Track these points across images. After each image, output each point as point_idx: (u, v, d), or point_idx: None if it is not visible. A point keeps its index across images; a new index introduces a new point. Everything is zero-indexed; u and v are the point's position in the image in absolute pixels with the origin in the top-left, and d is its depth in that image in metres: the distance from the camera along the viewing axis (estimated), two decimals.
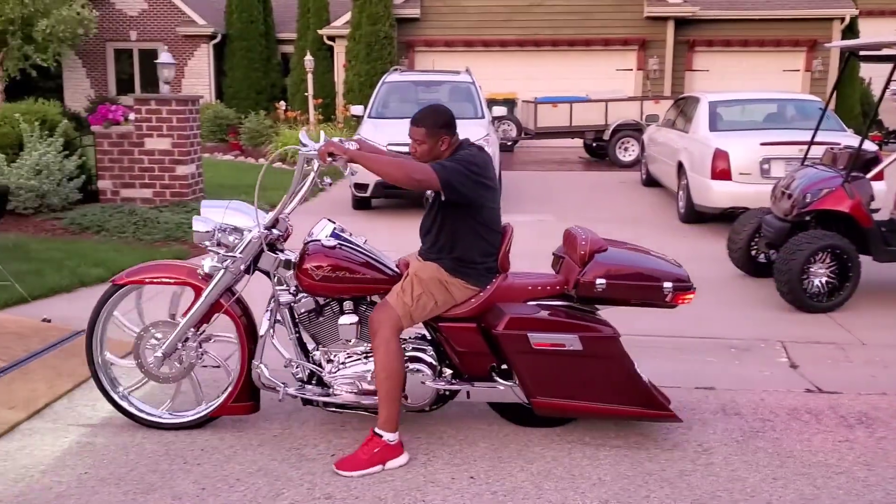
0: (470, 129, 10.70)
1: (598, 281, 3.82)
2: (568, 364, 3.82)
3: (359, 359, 3.96)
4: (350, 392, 3.95)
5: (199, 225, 3.95)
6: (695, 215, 9.75)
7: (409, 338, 4.08)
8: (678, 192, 10.37)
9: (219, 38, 22.94)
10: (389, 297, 3.81)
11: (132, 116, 9.51)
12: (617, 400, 3.89)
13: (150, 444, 3.95)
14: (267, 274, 4.00)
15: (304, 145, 3.89)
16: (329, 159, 3.64)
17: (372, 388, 3.86)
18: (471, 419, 4.24)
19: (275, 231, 3.99)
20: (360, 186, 10.48)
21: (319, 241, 3.92)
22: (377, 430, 3.72)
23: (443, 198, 3.73)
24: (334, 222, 4.11)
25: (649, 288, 3.88)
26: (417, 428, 4.10)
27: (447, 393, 4.01)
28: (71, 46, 21.79)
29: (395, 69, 13.57)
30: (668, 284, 3.87)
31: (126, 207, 9.06)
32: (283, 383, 4.00)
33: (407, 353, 3.93)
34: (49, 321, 5.59)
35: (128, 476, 3.62)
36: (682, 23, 21.04)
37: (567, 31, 20.92)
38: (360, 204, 10.83)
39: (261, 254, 3.95)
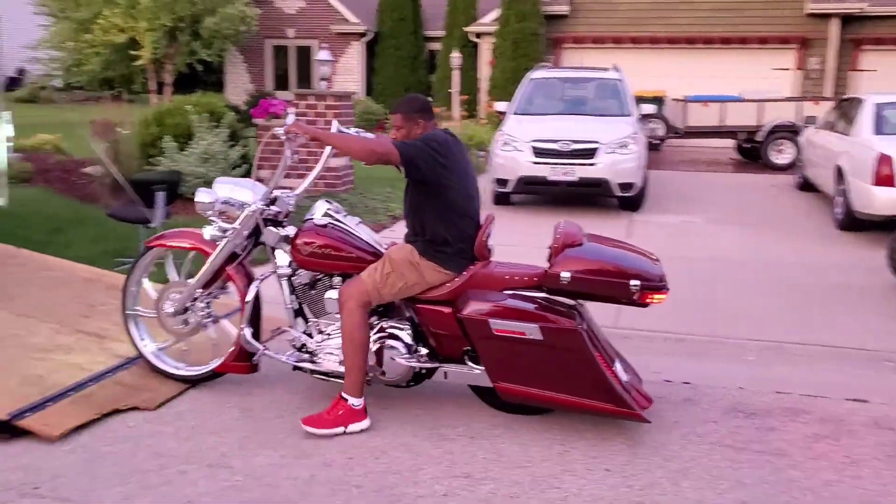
0: (615, 127, 10.65)
1: (563, 274, 3.92)
2: (528, 352, 3.92)
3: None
4: (332, 361, 4.24)
5: (201, 196, 4.42)
6: (853, 223, 9.26)
7: (393, 317, 4.28)
8: (835, 197, 9.88)
9: (370, 36, 23.68)
10: (362, 274, 4.08)
11: (291, 110, 10.04)
12: (576, 392, 3.93)
13: (304, 414, 4.22)
14: (271, 248, 4.37)
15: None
16: (293, 135, 4.09)
17: None
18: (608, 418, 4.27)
19: (273, 208, 4.34)
20: (501, 182, 10.60)
21: (313, 219, 4.26)
22: (343, 394, 4.02)
23: (403, 173, 3.96)
24: (330, 203, 4.41)
25: (614, 284, 3.90)
26: (553, 420, 4.17)
27: (423, 371, 4.21)
28: (234, 43, 23.10)
29: (542, 65, 13.60)
30: (635, 282, 3.87)
31: None
32: (265, 347, 4.39)
33: (386, 331, 4.19)
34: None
35: (284, 441, 3.90)
36: (848, 20, 19.91)
37: (721, 29, 20.24)
38: (500, 199, 10.95)
39: (264, 228, 4.32)
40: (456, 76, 18.38)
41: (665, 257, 4.53)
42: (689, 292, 6.47)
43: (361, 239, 4.27)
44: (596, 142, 10.27)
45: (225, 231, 4.37)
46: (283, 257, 4.34)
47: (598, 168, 10.21)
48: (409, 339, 4.18)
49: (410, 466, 3.68)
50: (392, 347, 4.17)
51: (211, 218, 4.41)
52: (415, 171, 3.93)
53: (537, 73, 12.49)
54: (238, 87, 24.57)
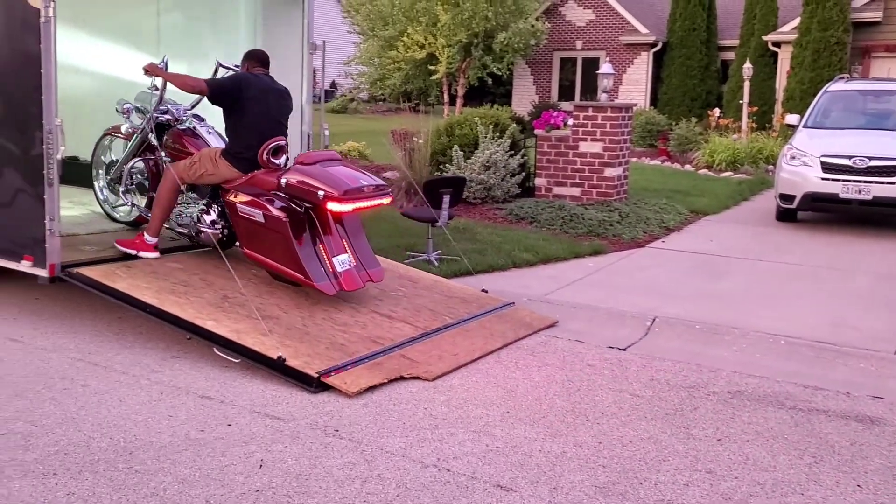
0: None
1: (282, 180, 5.63)
2: (257, 230, 5.61)
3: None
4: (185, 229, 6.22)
5: (119, 105, 6.61)
6: None
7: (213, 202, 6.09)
8: None
9: (659, 46, 23.55)
10: (182, 160, 6.02)
11: (570, 122, 10.48)
12: (280, 261, 5.56)
13: (560, 400, 4.61)
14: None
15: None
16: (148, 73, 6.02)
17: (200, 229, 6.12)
18: (869, 436, 4.19)
19: (166, 116, 6.41)
20: (786, 197, 10.23)
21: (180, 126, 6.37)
22: (145, 232, 6.01)
23: (209, 99, 5.86)
24: (202, 119, 6.43)
25: (307, 191, 5.52)
26: (806, 433, 4.17)
27: (224, 238, 6.06)
28: (523, 56, 24.14)
29: (841, 77, 12.83)
30: (321, 192, 5.47)
31: (557, 203, 10.05)
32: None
33: (204, 207, 6.09)
34: (486, 292, 6.61)
35: (540, 420, 4.32)
36: None
37: None
38: (785, 216, 10.56)
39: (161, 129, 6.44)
40: (746, 87, 17.78)
41: None
42: None
43: (202, 141, 6.24)
44: None
45: (135, 127, 6.58)
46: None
47: None
48: (213, 216, 6.06)
49: (655, 457, 3.93)
50: (202, 220, 6.08)
51: (125, 119, 6.63)
52: (215, 99, 5.83)
53: (835, 86, 11.84)
54: (524, 98, 25.61)
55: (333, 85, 33.15)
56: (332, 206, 5.53)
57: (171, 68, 6.20)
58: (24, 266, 5.56)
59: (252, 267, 6.09)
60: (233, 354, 4.91)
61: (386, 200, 5.97)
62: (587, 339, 5.82)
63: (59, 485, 3.46)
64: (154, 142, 6.47)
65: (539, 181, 10.71)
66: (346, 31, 26.37)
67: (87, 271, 5.54)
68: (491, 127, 10.56)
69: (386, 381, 4.76)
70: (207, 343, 5.02)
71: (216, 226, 6.07)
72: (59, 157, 5.32)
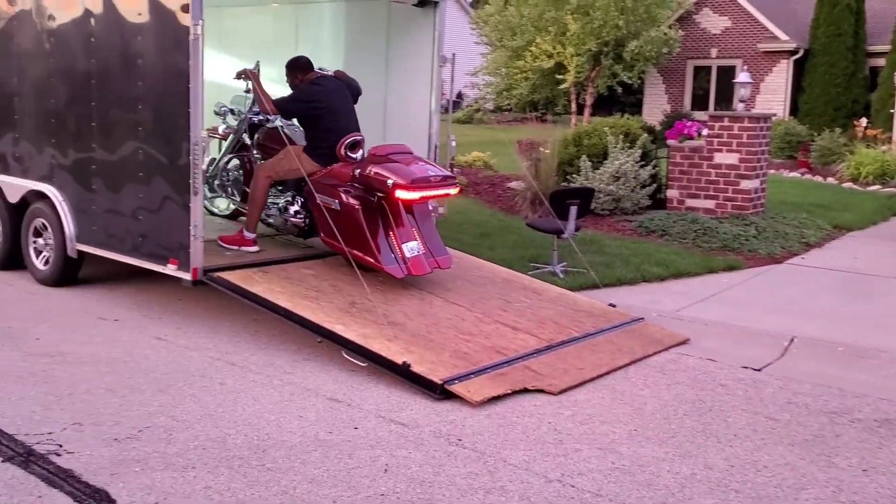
0: None
1: (356, 171, 6.08)
2: (334, 217, 5.94)
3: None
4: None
5: (216, 107, 7.04)
6: None
7: (299, 193, 6.59)
8: None
9: (800, 54, 22.51)
10: (270, 159, 6.61)
11: (705, 132, 10.16)
12: (353, 246, 5.89)
13: (691, 420, 4.45)
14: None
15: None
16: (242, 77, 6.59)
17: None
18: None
19: (259, 117, 6.92)
20: None
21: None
22: (244, 228, 6.47)
23: (279, 120, 6.63)
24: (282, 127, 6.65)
25: (379, 181, 5.92)
26: None
27: (305, 227, 6.62)
28: (654, 64, 23.58)
29: None
30: (390, 181, 5.86)
31: (689, 216, 9.76)
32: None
33: (290, 199, 6.66)
34: (614, 306, 6.48)
35: (669, 440, 4.19)
36: None
37: None
38: None
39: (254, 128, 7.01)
40: None
41: None
42: None
43: (286, 138, 6.48)
44: None
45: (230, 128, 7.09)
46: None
47: None
48: (297, 207, 6.58)
49: (793, 485, 3.73)
50: (287, 211, 6.64)
51: (223, 120, 7.14)
52: (287, 115, 6.58)
53: None
54: (655, 107, 25.00)
55: (460, 95, 33.46)
56: (401, 194, 5.90)
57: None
58: (170, 269, 5.88)
59: (379, 274, 6.21)
60: (360, 358, 5.01)
61: (453, 191, 6.38)
62: (720, 357, 5.60)
63: (198, 478, 3.63)
64: (247, 141, 7.02)
65: (671, 193, 10.41)
66: (474, 41, 26.56)
67: (226, 275, 5.80)
68: (621, 137, 10.37)
69: (510, 391, 4.74)
70: (336, 346, 5.15)
71: (299, 216, 6.58)
72: (203, 167, 5.60)
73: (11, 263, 7.24)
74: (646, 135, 10.60)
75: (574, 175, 10.36)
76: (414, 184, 5.88)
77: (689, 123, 10.27)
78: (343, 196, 6.02)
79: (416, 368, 4.80)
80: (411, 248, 6.04)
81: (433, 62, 7.30)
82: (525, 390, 4.79)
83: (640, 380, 5.13)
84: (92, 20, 6.26)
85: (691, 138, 10.14)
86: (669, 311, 6.71)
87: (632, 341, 5.84)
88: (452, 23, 32.83)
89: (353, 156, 6.40)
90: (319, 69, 6.77)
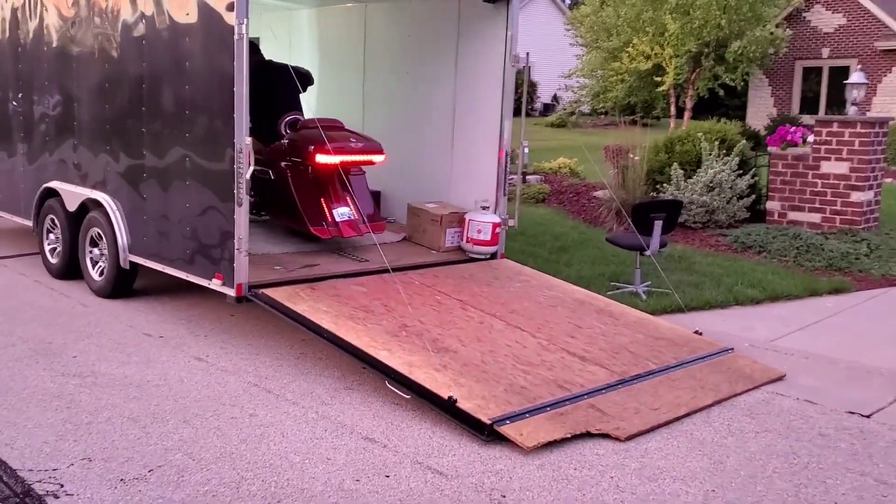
0: None
1: (284, 142, 6.75)
2: (270, 187, 6.69)
3: None
4: None
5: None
6: None
7: None
8: None
9: None
10: None
11: (810, 138, 9.24)
12: (285, 214, 6.73)
13: (782, 481, 3.77)
14: None
15: None
16: None
17: None
18: None
19: None
20: None
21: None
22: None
23: None
24: None
25: (302, 147, 6.46)
26: None
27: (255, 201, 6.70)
28: (759, 66, 22.32)
29: None
30: (311, 147, 6.33)
31: (791, 230, 8.86)
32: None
33: None
34: (700, 333, 5.78)
35: None
36: None
37: None
38: None
39: None
40: None
41: None
42: None
43: None
44: None
45: None
46: None
47: None
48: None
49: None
50: None
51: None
52: None
53: None
54: (760, 111, 23.70)
55: (555, 98, 32.76)
56: (320, 159, 6.25)
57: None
58: (215, 284, 5.54)
59: (437, 293, 5.72)
60: (404, 389, 4.51)
61: (377, 158, 6.65)
62: (821, 399, 4.85)
63: None
64: None
65: (771, 205, 9.51)
66: (569, 43, 25.82)
67: (271, 292, 5.42)
68: (716, 143, 9.54)
69: (569, 435, 4.15)
70: (380, 374, 4.67)
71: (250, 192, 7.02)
72: (247, 176, 5.23)
73: (71, 273, 7.08)
74: (744, 141, 9.72)
75: (664, 185, 9.60)
76: (333, 149, 6.14)
77: (792, 129, 9.35)
78: (276, 167, 6.58)
79: (462, 404, 4.27)
80: (342, 213, 6.46)
81: (505, 62, 6.75)
82: (587, 434, 4.20)
83: (724, 425, 4.45)
84: (143, 22, 6.01)
85: (795, 145, 9.22)
86: (764, 341, 5.96)
87: (717, 376, 5.14)
88: (547, 23, 32.29)
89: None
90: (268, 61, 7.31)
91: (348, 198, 6.55)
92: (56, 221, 7.22)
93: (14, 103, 7.72)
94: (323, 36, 8.71)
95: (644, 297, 6.83)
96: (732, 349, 5.62)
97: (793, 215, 9.33)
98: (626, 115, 23.87)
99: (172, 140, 5.85)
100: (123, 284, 6.59)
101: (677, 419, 4.49)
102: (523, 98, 6.86)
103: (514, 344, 5.17)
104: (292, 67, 7.10)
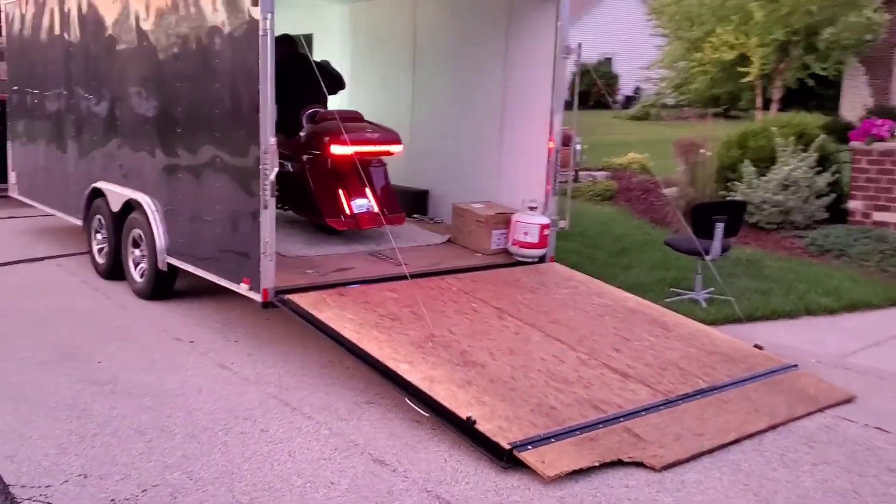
0: None
1: (301, 134, 6.73)
2: (290, 181, 6.51)
3: None
4: None
5: None
6: None
7: None
8: None
9: None
10: None
11: None
12: (303, 206, 6.81)
13: None
14: None
15: None
16: None
17: None
18: None
19: None
20: None
21: None
22: None
23: None
24: None
25: (318, 138, 6.50)
26: None
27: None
28: (855, 53, 21.04)
29: None
30: (326, 137, 6.37)
31: (875, 232, 8.14)
32: None
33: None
34: (761, 348, 5.29)
35: None
36: None
37: None
38: None
39: None
40: None
41: None
42: None
43: None
44: None
45: None
46: None
47: None
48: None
49: None
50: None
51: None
52: None
53: None
54: (855, 102, 22.33)
55: (637, 91, 31.85)
56: (335, 149, 6.20)
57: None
58: (242, 289, 5.36)
59: (474, 300, 5.41)
60: (423, 406, 4.22)
61: (395, 148, 6.54)
62: (894, 427, 4.33)
63: None
64: None
65: (853, 204, 8.79)
66: (649, 33, 24.95)
67: (298, 297, 5.21)
68: (793, 139, 8.87)
69: (597, 464, 3.78)
70: (399, 389, 4.39)
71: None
72: (272, 178, 5.02)
73: (116, 274, 7.04)
74: (823, 136, 8.98)
75: (736, 182, 8.99)
76: (349, 140, 6.05)
77: (879, 122, 8.60)
78: (295, 159, 6.54)
79: (482, 426, 3.94)
80: (360, 204, 6.40)
81: (555, 54, 6.36)
82: (619, 462, 3.81)
83: (777, 455, 4.00)
84: (176, 17, 5.88)
85: (882, 139, 8.48)
86: (834, 357, 5.43)
87: (775, 397, 4.67)
88: (629, 14, 31.40)
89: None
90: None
91: (367, 189, 6.46)
92: (102, 221, 7.21)
93: (72, 100, 7.75)
94: (375, 30, 8.48)
95: (704, 305, 6.34)
96: (796, 366, 5.12)
97: (878, 216, 8.58)
98: (711, 107, 22.91)
99: (203, 139, 5.71)
100: (163, 286, 6.50)
101: (724, 446, 4.06)
102: (575, 90, 6.42)
103: (551, 358, 4.80)
104: (325, 67, 7.04)
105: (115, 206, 6.91)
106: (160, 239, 6.25)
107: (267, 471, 3.73)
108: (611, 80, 34.48)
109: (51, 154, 8.26)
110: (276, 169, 5.04)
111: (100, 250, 7.33)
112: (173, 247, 6.20)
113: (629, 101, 31.06)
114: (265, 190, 5.06)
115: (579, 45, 6.37)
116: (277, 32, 5.12)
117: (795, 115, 9.75)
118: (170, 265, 6.26)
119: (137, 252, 6.70)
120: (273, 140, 5.03)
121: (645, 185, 11.06)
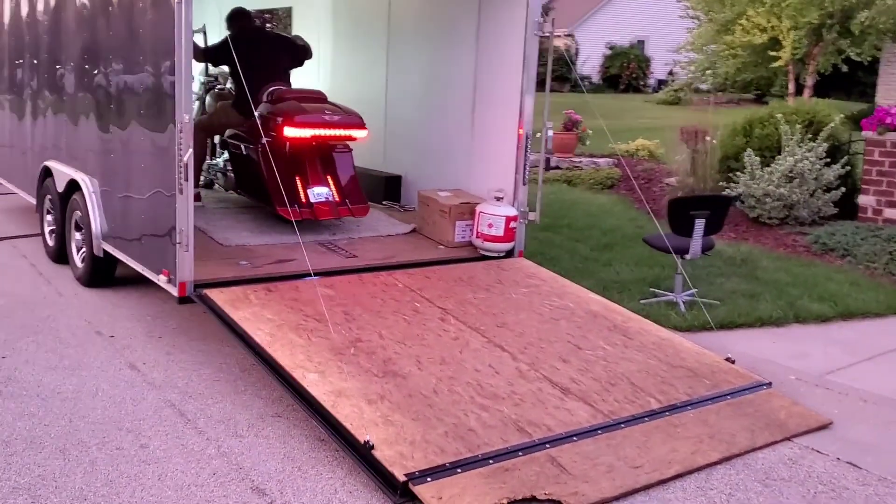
0: None
1: (256, 114, 5.77)
2: (243, 163, 6.47)
3: None
4: None
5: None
6: None
7: None
8: None
9: None
10: None
11: None
12: (254, 191, 6.36)
13: None
14: None
15: None
16: None
17: None
18: None
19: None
20: None
21: None
22: None
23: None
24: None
25: (271, 119, 6.00)
26: None
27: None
28: (892, 38, 19.99)
29: None
30: (279, 119, 5.95)
31: (886, 231, 7.44)
32: None
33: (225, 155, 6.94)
34: (733, 361, 4.72)
35: None
36: None
37: None
38: None
39: None
40: None
41: None
42: None
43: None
44: None
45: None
46: None
47: None
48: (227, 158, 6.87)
49: None
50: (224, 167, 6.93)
51: None
52: (200, 60, 6.65)
53: None
54: (892, 88, 21.29)
55: (671, 74, 30.89)
56: (289, 132, 5.80)
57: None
58: (161, 281, 4.92)
59: (418, 299, 4.91)
60: (325, 425, 3.73)
61: (358, 133, 6.05)
62: (869, 462, 3.77)
63: None
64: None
65: (864, 199, 8.08)
66: (678, 15, 24.03)
67: (218, 293, 4.75)
68: (799, 127, 8.17)
69: (505, 502, 3.26)
70: (303, 404, 3.90)
71: (227, 168, 6.73)
72: (185, 160, 4.55)
73: (64, 258, 6.65)
74: (833, 123, 8.24)
75: (738, 173, 8.33)
76: (303, 122, 5.75)
77: (892, 110, 7.87)
78: (249, 142, 6.12)
79: (380, 451, 3.44)
80: (318, 193, 5.94)
81: (526, 31, 5.78)
82: (533, 500, 3.30)
83: (724, 495, 3.46)
84: None
85: (895, 129, 7.75)
86: (817, 373, 4.84)
87: (737, 421, 4.12)
88: None
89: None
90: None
91: (329, 177, 6.02)
92: (52, 202, 6.82)
93: (25, 74, 7.37)
94: (352, 9, 7.98)
95: (683, 308, 5.76)
96: (770, 384, 4.55)
97: (889, 213, 7.85)
98: (742, 91, 21.98)
99: (131, 115, 5.26)
100: (101, 273, 6.09)
101: (663, 482, 3.53)
102: (548, 68, 5.84)
103: (486, 369, 4.29)
104: (288, 37, 6.46)
105: (60, 187, 6.51)
106: (95, 223, 5.82)
107: (126, 498, 3.27)
108: (643, 64, 33.52)
109: (13, 130, 7.92)
110: (191, 150, 4.55)
111: (51, 232, 6.96)
112: (110, 232, 5.78)
113: (662, 84, 30.11)
114: (180, 172, 4.59)
115: (552, 20, 5.79)
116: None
117: (806, 102, 9.01)
118: (105, 251, 5.84)
119: (79, 236, 6.30)
120: (188, 118, 4.55)
121: (650, 174, 10.42)
